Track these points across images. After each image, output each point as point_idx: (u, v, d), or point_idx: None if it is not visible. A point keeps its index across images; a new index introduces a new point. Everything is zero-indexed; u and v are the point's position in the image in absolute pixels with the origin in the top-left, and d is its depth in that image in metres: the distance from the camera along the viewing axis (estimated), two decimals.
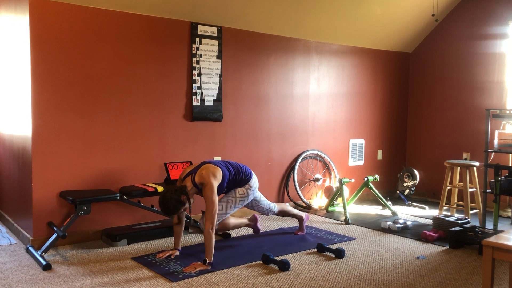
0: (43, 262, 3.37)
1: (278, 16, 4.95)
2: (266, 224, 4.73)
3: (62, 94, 3.91)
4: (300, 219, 4.39)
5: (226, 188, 3.76)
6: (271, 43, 5.19)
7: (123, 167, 4.25)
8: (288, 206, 4.35)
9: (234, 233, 4.38)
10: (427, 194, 6.34)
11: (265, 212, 4.13)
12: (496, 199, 4.46)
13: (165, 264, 3.47)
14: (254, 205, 4.04)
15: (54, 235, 3.64)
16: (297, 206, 5.47)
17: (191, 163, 4.44)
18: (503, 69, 5.58)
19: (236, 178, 3.78)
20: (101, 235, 4.12)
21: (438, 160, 6.13)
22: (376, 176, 5.31)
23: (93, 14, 4.01)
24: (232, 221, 4.02)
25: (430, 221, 4.87)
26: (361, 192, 5.39)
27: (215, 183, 3.50)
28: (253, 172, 3.96)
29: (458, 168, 5.14)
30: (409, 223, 4.70)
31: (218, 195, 3.58)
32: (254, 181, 3.92)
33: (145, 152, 4.37)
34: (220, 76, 4.79)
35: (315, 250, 3.89)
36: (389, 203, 5.48)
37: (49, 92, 3.85)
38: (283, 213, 4.28)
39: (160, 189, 4.03)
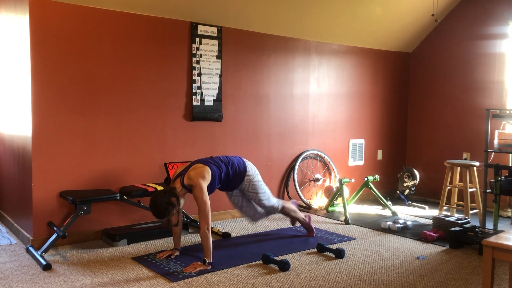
0: (43, 262, 3.37)
1: (278, 16, 4.95)
2: (266, 224, 4.73)
3: (62, 94, 3.91)
4: (302, 222, 4.35)
5: (220, 184, 3.72)
6: (271, 43, 5.19)
7: (123, 167, 4.25)
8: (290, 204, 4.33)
9: (234, 233, 4.38)
10: (427, 194, 6.34)
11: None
12: (496, 199, 4.46)
13: (165, 264, 3.47)
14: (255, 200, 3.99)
15: (54, 235, 3.64)
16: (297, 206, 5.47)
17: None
18: (503, 69, 5.58)
19: (230, 174, 3.71)
20: (101, 235, 4.12)
21: (438, 160, 6.13)
22: (376, 176, 5.31)
23: (93, 14, 4.01)
24: (294, 208, 4.23)
25: (430, 221, 4.87)
26: (361, 192, 5.39)
27: (204, 184, 3.45)
28: (246, 161, 3.88)
29: (458, 168, 5.14)
30: (409, 223, 4.70)
31: (211, 193, 3.55)
32: (251, 168, 3.85)
33: (145, 152, 4.38)
34: (220, 76, 4.79)
35: (315, 250, 3.89)
36: (389, 203, 5.48)
37: (49, 92, 3.85)
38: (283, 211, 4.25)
39: (160, 189, 4.03)
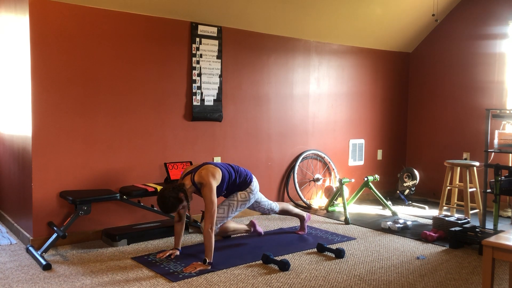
0: (43, 262, 3.37)
1: (278, 16, 4.95)
2: (266, 224, 4.73)
3: (62, 94, 3.91)
4: (302, 219, 4.39)
5: (226, 190, 3.75)
6: (271, 43, 5.19)
7: (123, 167, 4.25)
8: (289, 206, 4.34)
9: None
10: (427, 194, 6.34)
11: (266, 211, 4.13)
12: (496, 199, 4.46)
13: (165, 264, 3.47)
14: (255, 206, 4.04)
15: (54, 235, 3.64)
16: (297, 206, 5.47)
17: (191, 163, 4.44)
18: (503, 69, 5.58)
19: (236, 182, 3.78)
20: (101, 235, 4.12)
21: (438, 160, 6.13)
22: (376, 176, 5.31)
23: (93, 14, 4.01)
24: (232, 225, 4.04)
25: (430, 221, 4.87)
26: (361, 192, 5.39)
27: (214, 183, 3.50)
28: (254, 176, 3.96)
29: (458, 168, 5.14)
30: (409, 223, 4.70)
31: (217, 197, 3.57)
32: (255, 184, 3.92)
33: (145, 152, 4.38)
34: (220, 76, 4.79)
35: (315, 250, 3.89)
36: (389, 203, 5.48)
37: (49, 92, 3.85)
38: (284, 212, 4.28)
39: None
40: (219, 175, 3.58)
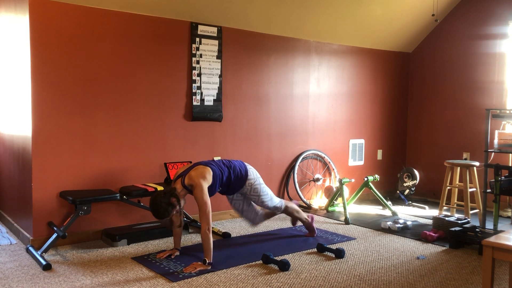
0: (43, 262, 3.37)
1: (278, 16, 4.95)
2: (266, 224, 4.73)
3: (62, 94, 3.91)
4: (303, 222, 4.35)
5: (221, 187, 3.71)
6: (271, 43, 5.19)
7: (123, 167, 4.25)
8: (294, 207, 4.30)
9: (234, 233, 4.39)
10: (427, 194, 6.34)
11: (270, 208, 4.08)
12: (496, 199, 4.46)
13: (165, 264, 3.47)
14: (258, 201, 3.98)
15: (54, 235, 3.64)
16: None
17: (191, 163, 4.43)
18: (503, 69, 5.58)
19: (231, 178, 3.72)
20: (101, 235, 4.12)
21: (438, 160, 6.13)
22: (376, 176, 5.31)
23: (93, 14, 4.01)
24: (297, 208, 4.25)
25: (430, 221, 4.87)
26: (361, 192, 5.39)
27: (205, 184, 3.45)
28: (247, 165, 3.87)
29: (458, 168, 5.14)
30: (409, 223, 4.70)
31: (212, 195, 3.55)
32: (252, 176, 3.83)
33: (145, 152, 4.38)
34: (220, 76, 4.79)
35: (315, 250, 3.89)
36: (389, 203, 5.48)
37: (49, 92, 3.85)
38: (288, 213, 4.24)
39: (160, 189, 4.03)
40: (209, 175, 3.52)
